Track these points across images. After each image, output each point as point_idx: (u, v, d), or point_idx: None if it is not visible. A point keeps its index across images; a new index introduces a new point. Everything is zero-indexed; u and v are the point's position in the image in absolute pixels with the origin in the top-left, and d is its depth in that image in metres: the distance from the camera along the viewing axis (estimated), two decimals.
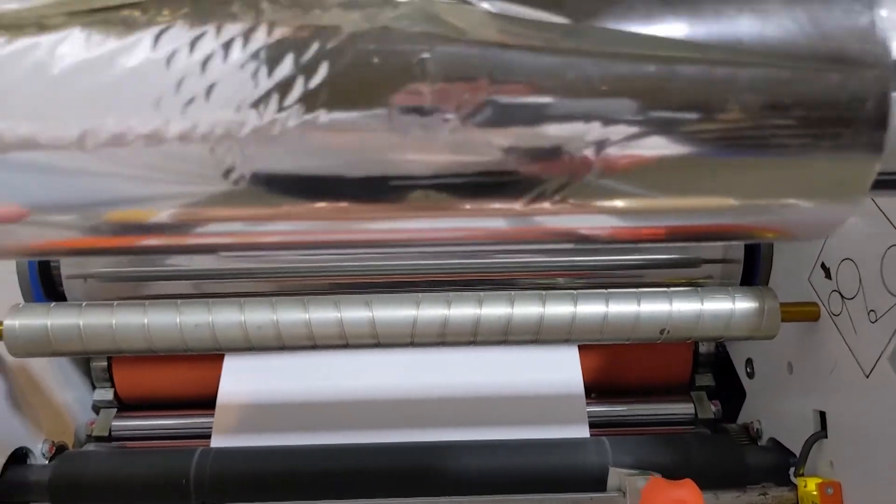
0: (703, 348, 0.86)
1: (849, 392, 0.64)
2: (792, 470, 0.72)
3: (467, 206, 0.29)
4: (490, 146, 0.27)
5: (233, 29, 0.26)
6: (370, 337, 0.70)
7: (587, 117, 0.27)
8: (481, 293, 0.67)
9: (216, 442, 0.79)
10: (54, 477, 0.73)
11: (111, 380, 0.87)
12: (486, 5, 0.26)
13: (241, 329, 0.68)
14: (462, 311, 0.66)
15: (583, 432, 0.80)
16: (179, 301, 0.65)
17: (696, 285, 0.85)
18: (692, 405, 0.85)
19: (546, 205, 0.29)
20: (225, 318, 0.67)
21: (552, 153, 0.27)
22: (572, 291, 0.67)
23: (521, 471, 0.75)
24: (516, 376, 0.82)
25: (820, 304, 0.69)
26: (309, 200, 0.28)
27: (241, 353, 0.75)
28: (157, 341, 0.66)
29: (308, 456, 0.75)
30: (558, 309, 0.66)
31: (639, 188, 0.28)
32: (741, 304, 0.68)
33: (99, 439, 0.84)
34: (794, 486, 0.70)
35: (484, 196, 0.28)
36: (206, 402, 0.86)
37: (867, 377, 0.62)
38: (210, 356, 0.77)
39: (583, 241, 0.32)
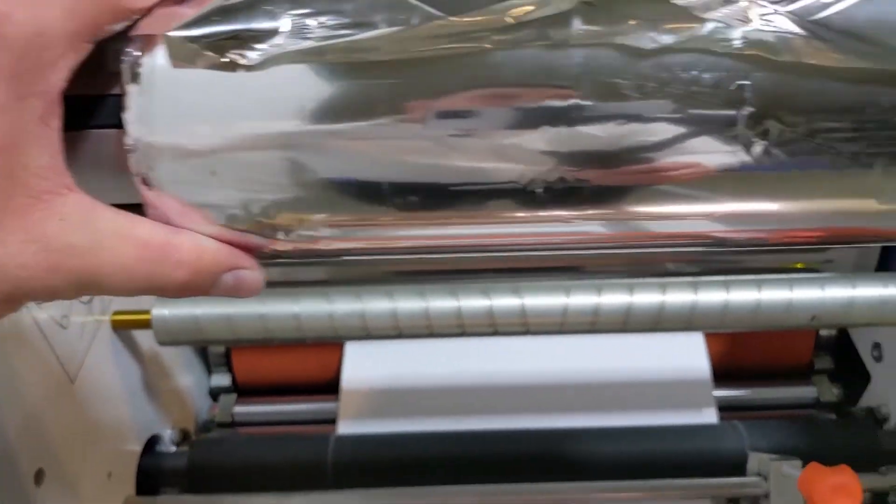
0: (823, 331, 0.85)
1: None
2: None
3: None
4: None
5: None
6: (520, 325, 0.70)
7: None
8: (631, 280, 0.66)
9: (343, 428, 0.79)
10: (192, 463, 0.73)
11: (229, 365, 0.87)
12: None
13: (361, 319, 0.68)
14: (613, 298, 0.66)
15: (711, 417, 0.79)
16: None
17: (814, 270, 0.85)
18: (814, 388, 0.84)
19: None
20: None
21: None
22: (721, 278, 0.66)
23: (652, 456, 0.75)
24: (641, 360, 0.82)
25: None
26: None
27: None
28: (308, 330, 0.66)
29: (443, 441, 0.75)
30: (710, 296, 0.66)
31: None
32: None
33: (222, 425, 0.84)
34: None
35: None
36: (325, 387, 0.86)
37: None
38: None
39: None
